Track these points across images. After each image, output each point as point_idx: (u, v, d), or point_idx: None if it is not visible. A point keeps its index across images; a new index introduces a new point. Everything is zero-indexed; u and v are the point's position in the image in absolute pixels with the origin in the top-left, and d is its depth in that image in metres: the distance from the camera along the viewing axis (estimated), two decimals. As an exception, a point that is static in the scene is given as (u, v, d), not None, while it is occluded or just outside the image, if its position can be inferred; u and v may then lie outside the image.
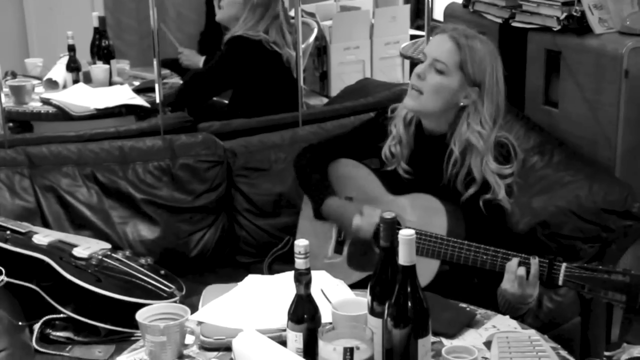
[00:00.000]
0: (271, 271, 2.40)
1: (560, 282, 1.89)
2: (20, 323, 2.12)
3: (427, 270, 2.06)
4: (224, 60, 3.43)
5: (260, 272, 2.13)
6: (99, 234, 2.54)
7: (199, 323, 1.80)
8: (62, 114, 3.41)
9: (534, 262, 1.92)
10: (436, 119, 2.15)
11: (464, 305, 1.90)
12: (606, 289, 1.81)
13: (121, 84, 3.72)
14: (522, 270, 1.91)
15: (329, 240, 2.31)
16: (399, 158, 2.20)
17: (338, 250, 2.28)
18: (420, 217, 2.13)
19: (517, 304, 1.96)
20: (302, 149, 2.44)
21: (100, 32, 3.85)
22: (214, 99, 3.65)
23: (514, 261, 1.94)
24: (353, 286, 2.00)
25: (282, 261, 2.42)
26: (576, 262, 1.91)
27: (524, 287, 1.92)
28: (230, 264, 2.72)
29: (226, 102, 3.63)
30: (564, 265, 1.89)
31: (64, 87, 3.65)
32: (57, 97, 3.49)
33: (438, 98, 2.10)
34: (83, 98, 3.49)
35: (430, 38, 2.15)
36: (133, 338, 2.05)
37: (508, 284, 1.94)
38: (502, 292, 1.97)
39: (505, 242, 2.04)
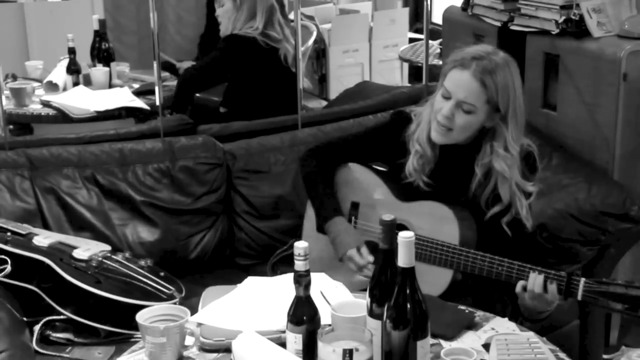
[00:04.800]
0: (274, 272, 2.40)
1: (579, 297, 1.89)
2: (25, 319, 2.12)
3: (440, 279, 2.05)
4: (218, 56, 3.47)
5: (260, 274, 2.13)
6: (99, 236, 2.55)
7: (199, 324, 1.81)
8: (62, 116, 3.42)
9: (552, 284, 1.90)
10: (462, 140, 2.14)
11: (462, 307, 1.91)
12: (625, 303, 1.82)
13: (121, 86, 3.73)
14: (532, 284, 1.91)
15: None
16: (420, 172, 2.16)
17: None
18: (431, 225, 2.11)
19: (538, 310, 1.96)
20: (310, 149, 2.37)
21: (100, 35, 3.86)
22: (206, 97, 3.66)
23: (530, 278, 1.92)
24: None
25: (287, 263, 2.41)
26: (593, 278, 1.90)
27: (543, 299, 1.92)
28: (230, 266, 2.72)
29: (218, 99, 3.64)
30: (582, 280, 1.88)
31: (64, 89, 3.66)
32: (57, 99, 3.50)
33: (467, 132, 2.09)
34: (83, 100, 3.49)
35: (451, 72, 2.06)
36: (133, 339, 2.06)
37: (524, 300, 1.94)
38: (520, 302, 1.97)
39: (519, 252, 2.03)
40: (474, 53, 2.07)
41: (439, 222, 2.11)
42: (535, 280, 1.92)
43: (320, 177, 2.29)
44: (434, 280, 2.04)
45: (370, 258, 2.11)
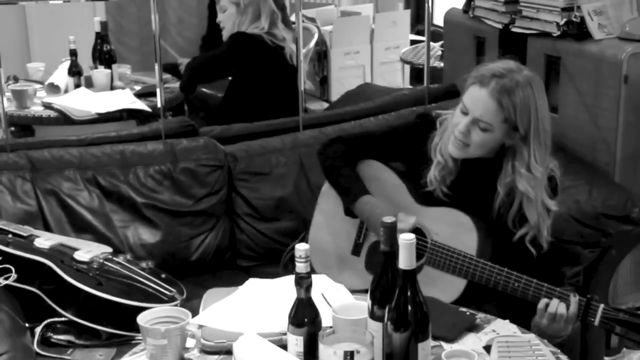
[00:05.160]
0: (286, 269, 2.39)
1: (596, 323, 1.88)
2: (27, 325, 2.13)
3: (452, 288, 2.04)
4: (225, 51, 3.49)
5: (261, 275, 2.13)
6: (100, 238, 2.55)
7: (200, 326, 1.81)
8: (63, 118, 3.42)
9: (574, 299, 1.90)
10: (481, 155, 2.12)
11: (463, 309, 1.91)
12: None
13: (122, 88, 3.73)
14: (555, 308, 1.90)
15: (345, 239, 2.26)
16: (441, 182, 2.14)
17: (355, 252, 2.24)
18: (448, 232, 2.09)
19: (550, 336, 1.92)
20: (331, 139, 2.34)
21: (101, 37, 3.87)
22: (209, 92, 3.67)
23: (554, 302, 1.91)
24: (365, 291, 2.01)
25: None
26: (612, 306, 1.90)
27: (560, 323, 1.91)
28: (231, 267, 2.72)
29: (220, 95, 3.65)
30: (601, 306, 1.88)
31: (66, 91, 3.67)
32: (58, 101, 3.50)
33: (483, 148, 2.07)
34: (84, 102, 3.50)
35: (470, 87, 2.04)
36: (134, 341, 2.06)
37: (543, 319, 1.92)
38: (535, 324, 1.94)
39: (534, 271, 2.02)
40: (495, 70, 2.03)
41: (457, 229, 2.08)
42: (558, 304, 1.90)
43: (343, 161, 2.25)
44: (446, 289, 2.04)
45: (412, 219, 2.08)
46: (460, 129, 2.04)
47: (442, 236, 2.08)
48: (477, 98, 2.03)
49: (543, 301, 1.92)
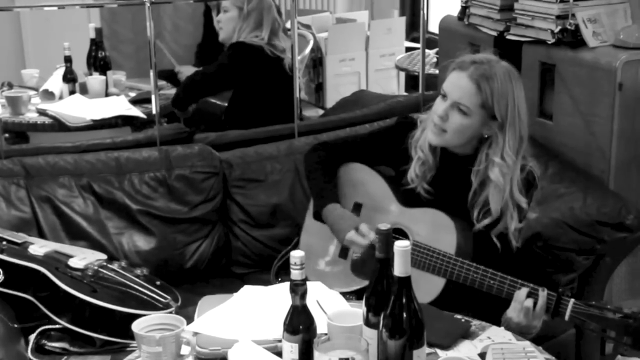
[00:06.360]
0: (277, 278, 2.39)
1: (566, 317, 1.90)
2: (16, 325, 2.12)
3: (432, 287, 2.05)
4: (226, 62, 3.47)
5: (256, 282, 2.13)
6: (95, 245, 2.55)
7: (195, 334, 1.81)
8: (58, 125, 3.42)
9: (542, 294, 1.92)
10: (461, 147, 2.14)
11: (458, 316, 1.91)
12: (611, 329, 1.83)
13: (117, 95, 3.73)
14: (529, 302, 1.92)
15: (334, 242, 2.28)
16: (422, 178, 2.17)
17: (343, 255, 2.26)
18: (429, 232, 2.11)
19: (519, 333, 1.94)
20: (316, 144, 2.40)
21: (96, 44, 3.87)
22: (213, 101, 3.67)
23: (523, 291, 1.94)
24: (354, 293, 2.00)
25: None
26: (583, 300, 1.92)
27: (530, 318, 1.93)
28: (226, 274, 2.72)
29: (225, 104, 3.65)
30: (571, 301, 1.90)
31: (60, 98, 3.67)
32: (53, 107, 3.50)
33: (461, 135, 2.10)
34: (79, 109, 3.50)
35: (450, 73, 2.10)
36: (129, 349, 2.05)
37: (514, 313, 1.94)
38: (506, 320, 1.97)
39: (507, 263, 2.04)
40: (475, 58, 2.10)
41: (438, 230, 2.11)
42: (525, 294, 1.93)
43: (323, 167, 2.30)
44: (426, 287, 2.05)
45: (372, 235, 2.09)
46: (439, 112, 2.08)
47: (422, 236, 2.11)
48: (456, 81, 2.07)
49: (518, 293, 1.94)
